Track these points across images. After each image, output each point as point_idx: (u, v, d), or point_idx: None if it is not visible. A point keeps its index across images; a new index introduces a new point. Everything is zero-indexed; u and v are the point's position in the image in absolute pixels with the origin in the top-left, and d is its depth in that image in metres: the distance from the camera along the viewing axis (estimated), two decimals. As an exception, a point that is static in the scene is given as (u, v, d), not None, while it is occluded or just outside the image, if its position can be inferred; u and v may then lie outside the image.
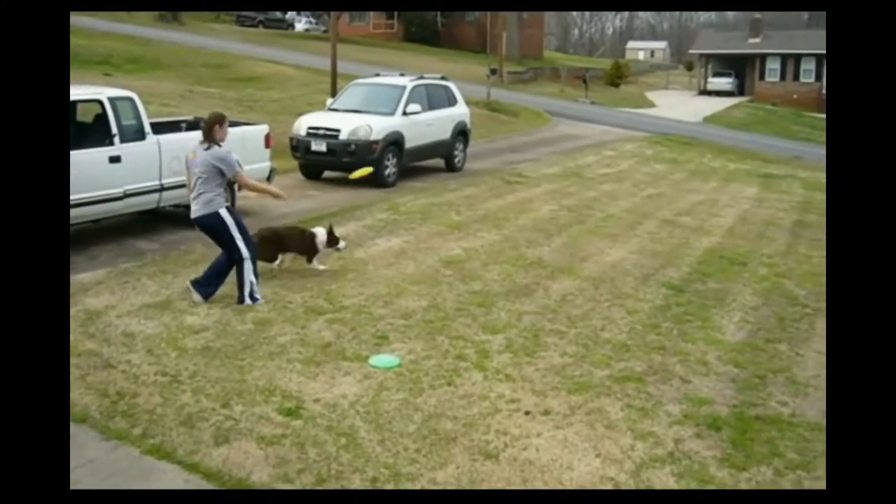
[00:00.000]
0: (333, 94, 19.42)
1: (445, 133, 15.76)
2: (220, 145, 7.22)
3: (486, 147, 20.22)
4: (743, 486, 4.64)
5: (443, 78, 16.62)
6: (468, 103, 17.57)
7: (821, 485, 4.68)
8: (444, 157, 16.08)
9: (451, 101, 16.21)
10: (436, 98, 15.64)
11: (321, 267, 8.63)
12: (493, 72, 32.85)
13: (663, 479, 4.66)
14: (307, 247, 8.56)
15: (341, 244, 8.71)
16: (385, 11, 53.55)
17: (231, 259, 7.32)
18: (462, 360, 6.27)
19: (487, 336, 6.83)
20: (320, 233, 8.58)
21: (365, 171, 9.71)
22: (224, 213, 7.25)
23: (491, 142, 21.64)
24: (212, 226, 7.27)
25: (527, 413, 5.41)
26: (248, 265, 7.28)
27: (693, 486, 4.61)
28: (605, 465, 4.78)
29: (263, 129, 11.46)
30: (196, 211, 7.27)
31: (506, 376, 6.00)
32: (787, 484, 4.67)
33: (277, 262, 8.48)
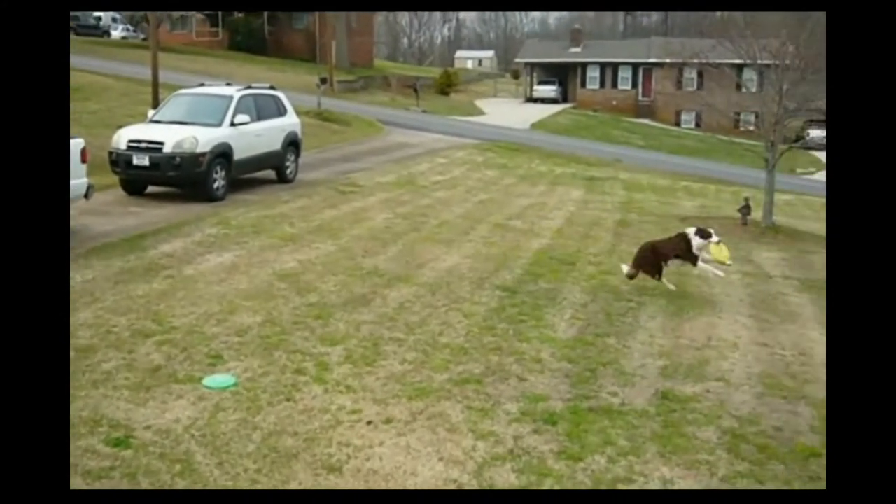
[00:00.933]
0: (155, 105, 18.58)
1: (276, 144, 15.47)
2: None
3: (318, 157, 20.02)
4: (579, 476, 4.82)
5: (271, 87, 16.32)
6: (299, 113, 17.36)
7: (651, 468, 4.95)
8: (276, 168, 15.79)
9: (281, 111, 15.94)
10: (265, 108, 15.32)
11: (671, 286, 8.93)
12: (323, 81, 32.52)
13: (504, 477, 4.76)
14: (684, 251, 8.79)
15: (712, 233, 8.95)
16: (236, 12, 51.25)
17: None
18: (301, 374, 6.16)
19: (326, 348, 6.74)
20: (691, 233, 8.81)
21: (723, 254, 9.08)
22: None
23: (323, 152, 21.46)
24: None
25: (369, 423, 5.38)
26: None
27: (533, 480, 4.74)
28: (449, 468, 4.83)
29: (79, 143, 10.76)
30: None
31: (346, 387, 5.94)
32: (619, 470, 4.89)
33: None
